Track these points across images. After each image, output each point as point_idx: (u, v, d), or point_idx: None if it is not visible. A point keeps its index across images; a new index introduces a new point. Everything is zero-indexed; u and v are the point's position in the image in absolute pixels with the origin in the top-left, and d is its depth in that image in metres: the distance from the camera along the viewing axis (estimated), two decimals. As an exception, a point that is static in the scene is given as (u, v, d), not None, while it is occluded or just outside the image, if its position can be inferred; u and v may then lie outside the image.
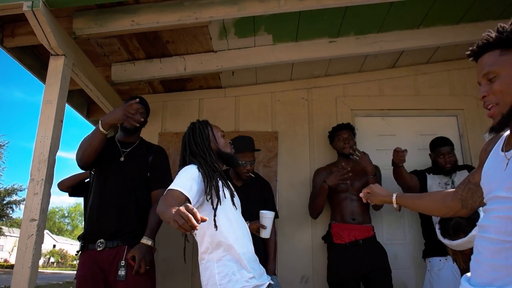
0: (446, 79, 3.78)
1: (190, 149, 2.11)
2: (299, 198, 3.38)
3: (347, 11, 2.82)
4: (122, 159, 2.51)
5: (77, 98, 3.55)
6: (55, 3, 2.21)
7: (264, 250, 2.81)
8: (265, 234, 2.56)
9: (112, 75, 3.11)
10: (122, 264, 2.24)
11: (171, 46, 2.99)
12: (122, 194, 2.42)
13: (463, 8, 3.02)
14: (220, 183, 2.03)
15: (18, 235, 2.21)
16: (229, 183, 2.12)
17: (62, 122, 2.38)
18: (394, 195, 1.74)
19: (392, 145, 3.20)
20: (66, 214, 63.02)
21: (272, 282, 2.08)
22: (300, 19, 2.84)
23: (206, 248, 1.94)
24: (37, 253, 2.14)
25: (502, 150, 1.23)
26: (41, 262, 45.12)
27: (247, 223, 2.46)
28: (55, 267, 42.12)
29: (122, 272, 2.22)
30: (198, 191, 1.88)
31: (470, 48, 1.29)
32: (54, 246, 48.82)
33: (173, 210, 1.44)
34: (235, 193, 2.10)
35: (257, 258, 2.06)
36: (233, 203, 2.03)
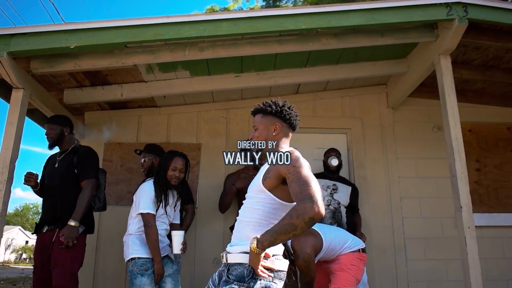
0: (338, 103, 4.75)
1: (156, 169, 3.32)
2: (215, 197, 4.20)
3: (244, 56, 3.72)
4: (56, 165, 3.37)
5: (38, 113, 4.36)
6: (16, 53, 3.07)
7: None
8: (175, 249, 3.17)
9: (64, 99, 3.96)
10: (52, 241, 3.11)
11: (110, 77, 3.87)
12: (55, 192, 3.29)
13: (336, 54, 3.96)
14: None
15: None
16: (168, 197, 3.25)
17: (20, 138, 3.24)
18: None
19: None
20: (40, 211, 62.71)
21: (171, 256, 3.23)
22: (208, 61, 3.74)
23: (135, 227, 3.18)
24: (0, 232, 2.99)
25: None
26: (13, 257, 45.03)
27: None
28: (27, 263, 42.15)
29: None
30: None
31: (251, 110, 2.18)
32: (27, 242, 48.68)
33: None
34: (169, 203, 3.27)
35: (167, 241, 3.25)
36: (165, 210, 3.24)
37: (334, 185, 4.07)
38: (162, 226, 3.27)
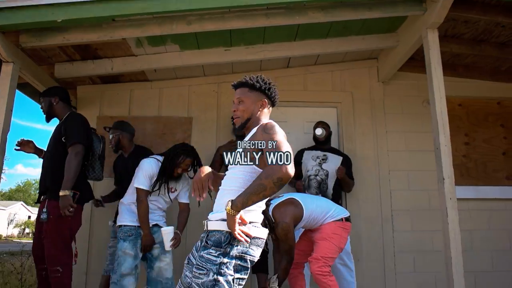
0: (329, 77, 4.78)
1: (167, 155, 3.46)
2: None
3: (232, 30, 3.74)
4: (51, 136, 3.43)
5: (30, 87, 4.38)
6: (5, 27, 3.11)
7: None
8: (166, 246, 3.39)
9: (55, 73, 4.00)
10: (44, 210, 3.15)
11: (100, 51, 3.90)
12: (46, 163, 3.37)
13: (325, 28, 3.97)
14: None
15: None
16: (168, 184, 3.49)
17: (11, 111, 3.30)
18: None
19: (284, 129, 4.18)
20: (42, 186, 63.13)
21: (160, 225, 3.48)
22: (196, 34, 3.76)
23: (128, 199, 3.44)
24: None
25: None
26: (16, 232, 45.70)
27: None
28: (30, 238, 42.79)
29: (43, 215, 3.13)
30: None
31: (234, 83, 2.24)
32: (29, 217, 49.28)
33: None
34: (171, 188, 3.55)
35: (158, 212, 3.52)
36: (168, 192, 3.52)
37: (324, 155, 4.15)
38: (153, 202, 3.52)
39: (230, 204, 1.82)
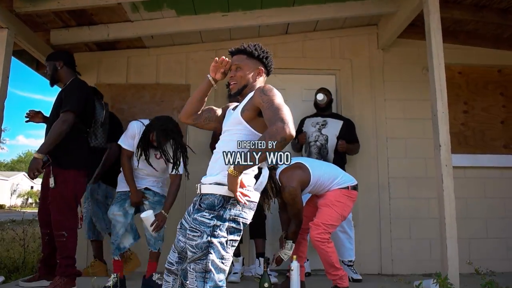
0: (328, 44, 4.73)
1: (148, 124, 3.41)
2: (205, 139, 4.29)
3: (231, -7, 3.68)
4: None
5: (27, 54, 4.35)
6: (-3, -9, 3.05)
7: None
8: (149, 231, 3.32)
9: (51, 39, 3.97)
10: (51, 176, 3.14)
11: (95, 17, 3.85)
12: (48, 130, 3.25)
13: (325, -7, 3.91)
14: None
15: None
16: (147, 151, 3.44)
17: (8, 77, 3.29)
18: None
19: (282, 97, 4.17)
20: (44, 157, 63.61)
21: (152, 189, 3.56)
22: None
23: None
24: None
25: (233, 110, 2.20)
26: (19, 202, 46.22)
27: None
28: (33, 207, 43.31)
29: (52, 182, 3.13)
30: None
31: (232, 49, 2.22)
32: (32, 187, 49.78)
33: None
34: (156, 155, 3.48)
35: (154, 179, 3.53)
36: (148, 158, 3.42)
37: (324, 121, 4.16)
38: (142, 169, 3.53)
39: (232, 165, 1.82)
